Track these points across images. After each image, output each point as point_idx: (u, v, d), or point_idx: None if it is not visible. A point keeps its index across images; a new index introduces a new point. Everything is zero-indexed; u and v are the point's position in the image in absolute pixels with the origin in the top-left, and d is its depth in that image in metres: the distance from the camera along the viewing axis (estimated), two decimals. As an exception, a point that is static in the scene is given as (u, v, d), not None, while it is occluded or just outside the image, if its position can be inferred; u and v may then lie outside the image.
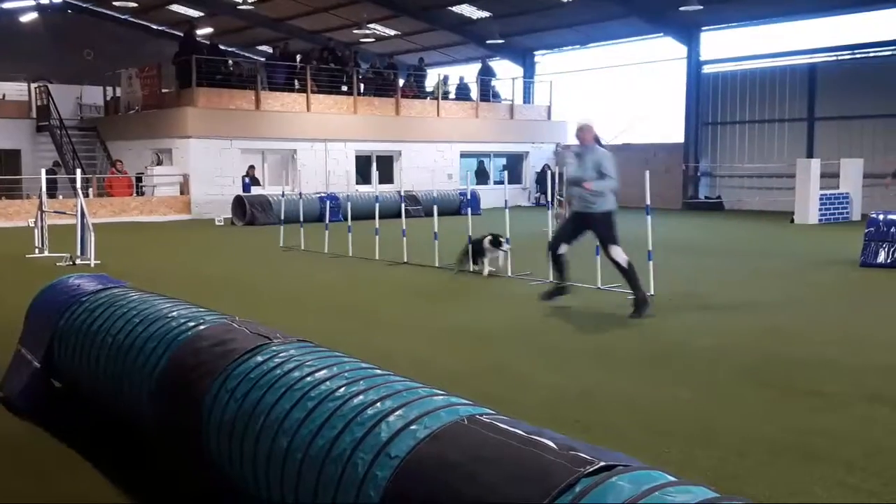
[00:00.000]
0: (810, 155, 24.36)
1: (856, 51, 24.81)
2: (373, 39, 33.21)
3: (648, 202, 9.88)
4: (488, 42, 31.18)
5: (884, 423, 5.10)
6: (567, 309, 9.11)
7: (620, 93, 30.24)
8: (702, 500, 1.93)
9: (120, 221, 22.03)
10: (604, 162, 8.88)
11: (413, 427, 2.59)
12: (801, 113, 25.96)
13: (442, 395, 2.91)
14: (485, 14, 29.25)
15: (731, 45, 27.58)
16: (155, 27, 34.44)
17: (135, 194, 24.40)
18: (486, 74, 31.22)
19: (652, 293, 9.62)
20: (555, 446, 2.23)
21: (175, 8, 31.60)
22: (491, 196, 26.56)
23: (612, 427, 4.98)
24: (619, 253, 8.81)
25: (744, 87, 27.19)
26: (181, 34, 28.04)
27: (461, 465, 2.30)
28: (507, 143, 30.66)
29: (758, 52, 26.91)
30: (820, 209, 21.58)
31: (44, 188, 14.98)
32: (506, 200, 12.30)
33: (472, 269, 11.74)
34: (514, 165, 30.87)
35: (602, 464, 2.10)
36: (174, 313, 4.36)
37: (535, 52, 33.22)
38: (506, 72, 32.90)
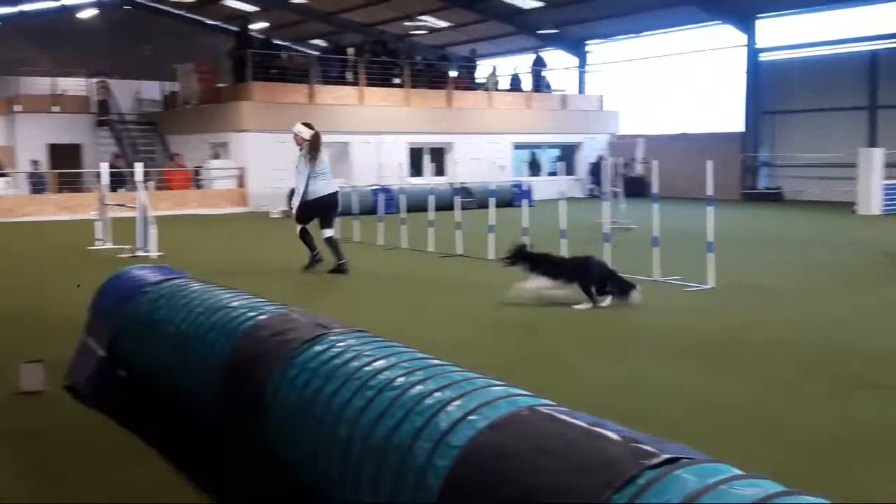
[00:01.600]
0: (872, 144, 23.72)
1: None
2: (425, 31, 33.26)
3: (711, 192, 9.68)
4: (540, 32, 30.99)
5: (953, 418, 4.97)
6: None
7: (676, 82, 29.82)
8: (770, 494, 1.90)
9: (179, 214, 22.42)
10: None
11: (472, 417, 2.59)
12: (862, 101, 25.29)
13: (500, 385, 2.91)
14: (537, 4, 29.06)
15: (789, 33, 26.98)
16: (210, 22, 34.95)
17: (193, 187, 24.83)
18: (538, 65, 31.04)
19: (713, 285, 9.50)
20: (618, 438, 2.22)
21: (230, 3, 32.03)
22: (544, 188, 26.42)
23: (669, 420, 4.92)
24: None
25: (803, 74, 26.56)
26: (236, 29, 28.42)
27: (522, 454, 2.29)
28: (560, 134, 30.46)
29: (816, 39, 26.28)
30: (884, 199, 21.02)
31: (107, 181, 15.32)
32: (561, 191, 12.18)
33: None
34: (567, 156, 30.68)
35: (666, 456, 2.08)
36: (234, 304, 4.43)
37: (588, 42, 32.92)
38: (558, 62, 32.68)
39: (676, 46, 29.80)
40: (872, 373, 5.97)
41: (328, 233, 11.31)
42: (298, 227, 11.48)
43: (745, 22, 27.25)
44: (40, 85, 29.14)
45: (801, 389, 5.61)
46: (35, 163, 25.87)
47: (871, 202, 20.88)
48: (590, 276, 8.40)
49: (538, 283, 8.49)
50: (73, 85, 29.75)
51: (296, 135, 11.54)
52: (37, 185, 24.73)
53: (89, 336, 5.65)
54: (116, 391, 5.27)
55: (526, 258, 8.62)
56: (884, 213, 20.71)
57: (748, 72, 27.66)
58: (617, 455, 2.12)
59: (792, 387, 5.68)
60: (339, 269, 11.05)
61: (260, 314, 4.18)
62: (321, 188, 11.27)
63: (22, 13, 31.30)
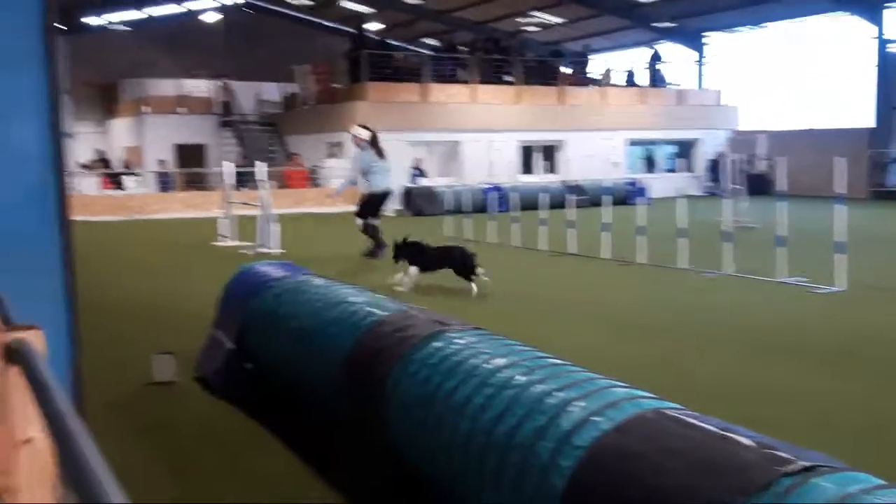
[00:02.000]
0: None
1: None
2: (537, 28, 33.08)
3: (842, 190, 9.24)
4: (656, 25, 30.34)
5: None
6: (743, 302, 8.76)
7: (799, 75, 28.65)
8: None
9: (297, 212, 23.06)
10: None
11: (596, 418, 2.57)
12: None
13: (623, 386, 2.87)
14: (654, -3, 28.49)
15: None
16: (327, 24, 35.76)
17: (310, 186, 25.48)
18: (654, 59, 30.41)
19: (842, 287, 9.09)
20: (750, 443, 2.16)
21: (346, 4, 32.68)
22: (660, 185, 25.89)
23: (793, 427, 4.74)
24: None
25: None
26: (352, 30, 28.98)
27: (648, 456, 2.26)
28: (677, 130, 29.74)
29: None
30: None
31: (231, 180, 15.91)
32: (679, 189, 11.90)
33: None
34: (684, 153, 29.95)
35: (804, 464, 2.01)
36: (355, 300, 4.53)
37: (706, 34, 32.01)
38: (675, 55, 31.92)
39: (800, 38, 28.63)
40: None
41: (376, 221, 12.47)
42: (361, 222, 12.44)
43: (872, 12, 25.90)
44: (166, 87, 30.50)
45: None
46: (162, 162, 27.10)
47: None
48: (454, 261, 9.46)
49: (413, 272, 9.50)
50: (198, 87, 30.98)
51: (354, 136, 12.71)
52: (164, 183, 25.90)
53: (218, 329, 5.88)
54: (243, 383, 5.47)
55: (402, 252, 9.64)
56: None
57: (878, 64, 26.30)
58: (750, 461, 2.07)
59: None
60: (373, 255, 12.18)
61: (380, 310, 4.26)
62: (386, 182, 12.56)
63: (149, 18, 32.81)
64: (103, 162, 26.66)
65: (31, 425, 1.81)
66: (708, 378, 5.88)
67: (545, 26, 33.08)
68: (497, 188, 20.56)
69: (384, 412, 3.62)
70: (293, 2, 32.21)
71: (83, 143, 31.91)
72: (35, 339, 1.83)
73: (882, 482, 1.99)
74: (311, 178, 25.80)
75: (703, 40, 32.18)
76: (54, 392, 1.50)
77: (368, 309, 4.31)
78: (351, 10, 32.91)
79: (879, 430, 4.72)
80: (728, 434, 2.25)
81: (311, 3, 32.19)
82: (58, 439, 1.32)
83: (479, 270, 9.35)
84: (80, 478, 1.13)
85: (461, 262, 9.40)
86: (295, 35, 34.68)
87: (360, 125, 12.97)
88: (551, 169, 27.29)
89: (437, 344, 3.63)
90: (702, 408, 2.80)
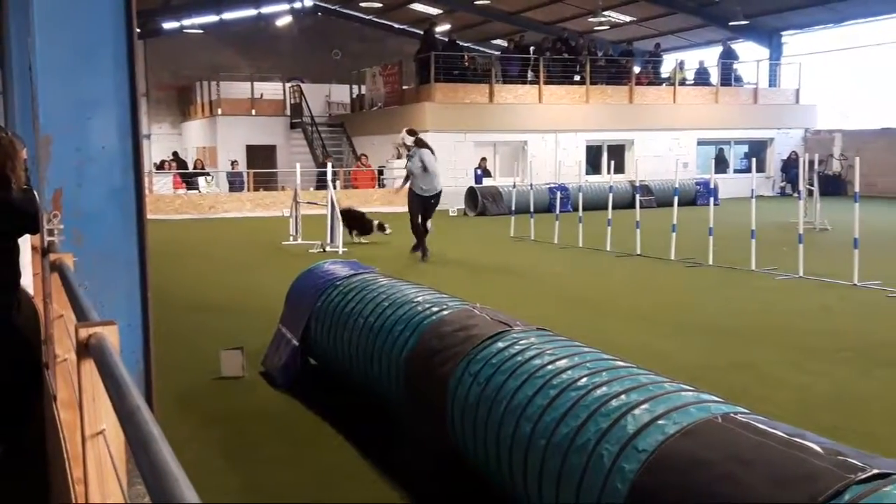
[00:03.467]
0: None
1: None
2: (608, 27, 32.72)
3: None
4: (731, 24, 29.72)
5: None
6: (819, 306, 8.53)
7: (879, 74, 27.74)
8: None
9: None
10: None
11: (661, 422, 2.53)
12: None
13: (690, 390, 2.82)
14: (727, -5, 27.92)
15: None
16: (397, 26, 35.99)
17: (377, 186, 25.68)
18: (727, 57, 29.80)
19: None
20: (820, 450, 2.10)
21: (416, 7, 32.85)
22: (731, 185, 25.34)
23: (872, 435, 4.60)
24: None
25: None
26: (421, 32, 29.10)
27: (716, 463, 2.21)
28: (750, 130, 29.07)
29: None
30: None
31: (298, 181, 16.15)
32: (752, 189, 11.60)
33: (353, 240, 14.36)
34: (757, 152, 29.26)
35: (875, 471, 1.95)
36: (419, 298, 4.55)
37: (783, 33, 31.22)
38: (750, 54, 31.21)
39: (881, 36, 27.71)
40: None
41: (429, 224, 12.69)
42: (430, 225, 12.78)
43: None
44: (239, 89, 31.10)
45: None
46: (233, 163, 27.65)
47: None
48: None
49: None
50: (269, 89, 31.50)
51: (402, 142, 13.15)
52: (234, 183, 26.40)
53: (284, 326, 5.98)
54: (308, 378, 5.55)
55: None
56: None
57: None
58: (820, 468, 2.01)
59: None
60: (417, 249, 12.60)
61: (443, 309, 4.27)
62: (436, 185, 12.55)
63: (222, 21, 33.48)
64: (177, 162, 27.29)
65: (103, 418, 1.86)
66: (786, 385, 5.73)
67: (616, 25, 32.69)
68: (563, 188, 20.42)
69: (447, 411, 3.63)
70: (364, 5, 32.51)
71: (159, 144, 32.79)
72: (109, 334, 1.88)
73: (960, 494, 1.91)
74: (378, 179, 26.01)
75: (781, 39, 31.41)
76: (127, 386, 1.54)
77: (432, 308, 4.33)
78: (421, 13, 33.07)
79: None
80: (797, 440, 2.19)
81: (381, 5, 32.43)
82: (129, 433, 1.36)
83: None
84: (151, 471, 1.16)
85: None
86: (365, 37, 35.02)
87: (407, 130, 13.38)
88: (619, 169, 26.95)
89: (500, 344, 3.62)
90: (781, 415, 2.73)
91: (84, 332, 1.87)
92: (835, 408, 5.14)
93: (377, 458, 4.32)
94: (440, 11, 32.71)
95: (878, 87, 27.90)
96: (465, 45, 32.49)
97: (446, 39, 28.44)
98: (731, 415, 2.48)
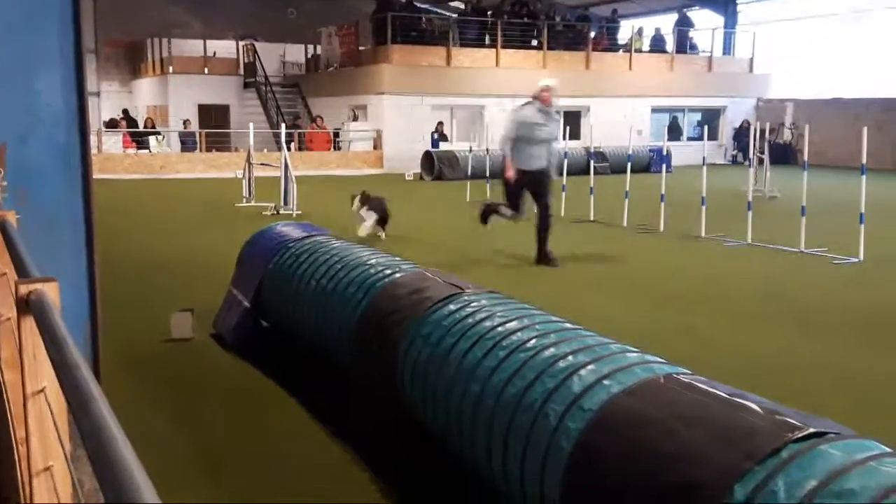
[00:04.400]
0: None
1: None
2: (566, -9, 32.63)
3: (864, 161, 9.14)
4: (687, -9, 29.84)
5: None
6: (764, 272, 8.70)
7: (833, 44, 28.11)
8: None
9: (319, 174, 23.07)
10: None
11: (606, 382, 2.57)
12: None
13: (635, 352, 2.87)
14: (684, -38, 28.00)
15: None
16: (353, -15, 35.43)
17: (333, 149, 25.45)
18: (682, 25, 29.93)
19: (863, 258, 9.02)
20: (759, 410, 2.15)
21: (372, -34, 32.38)
22: (684, 153, 25.59)
23: (812, 394, 4.73)
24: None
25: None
26: (378, -9, 28.72)
27: (658, 421, 2.26)
28: (703, 98, 29.33)
29: None
30: None
31: (252, 142, 15.91)
32: (704, 157, 11.74)
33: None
34: (710, 121, 29.55)
35: (811, 430, 2.00)
36: (372, 261, 4.54)
37: (738, 1, 31.44)
38: (705, 22, 31.38)
39: (835, 6, 28.04)
40: None
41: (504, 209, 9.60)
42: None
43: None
44: (192, 48, 30.45)
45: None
46: (185, 122, 27.14)
47: None
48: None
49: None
50: (222, 47, 30.88)
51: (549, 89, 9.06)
52: (186, 143, 25.95)
53: (236, 288, 5.93)
54: (259, 340, 5.52)
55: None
56: None
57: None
58: (759, 426, 2.06)
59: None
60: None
61: (396, 272, 4.27)
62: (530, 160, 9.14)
63: (176, -22, 32.70)
64: (127, 121, 26.70)
65: (44, 376, 1.83)
66: (730, 347, 5.86)
67: (573, -10, 32.62)
68: (520, 154, 20.38)
69: (398, 372, 3.65)
70: (319, -38, 31.94)
71: (109, 102, 32.00)
72: (50, 290, 1.84)
73: (889, 450, 1.98)
74: (334, 141, 25.77)
75: (737, 7, 31.60)
76: (66, 343, 1.51)
77: (384, 271, 4.32)
78: (377, -28, 32.58)
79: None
80: (737, 399, 2.24)
81: (337, -37, 31.90)
82: (69, 393, 1.34)
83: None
84: (89, 430, 1.14)
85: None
86: (322, -4, 34.42)
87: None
88: (575, 135, 27.04)
89: (451, 306, 3.63)
90: (724, 376, 2.79)
91: (24, 289, 1.84)
92: (777, 370, 5.27)
93: (328, 420, 4.33)
94: (398, -29, 32.24)
95: (831, 57, 28.29)
96: (423, 6, 32.07)
97: (404, 0, 28.09)
98: (674, 375, 2.52)
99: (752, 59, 30.24)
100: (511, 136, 8.86)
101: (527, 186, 8.99)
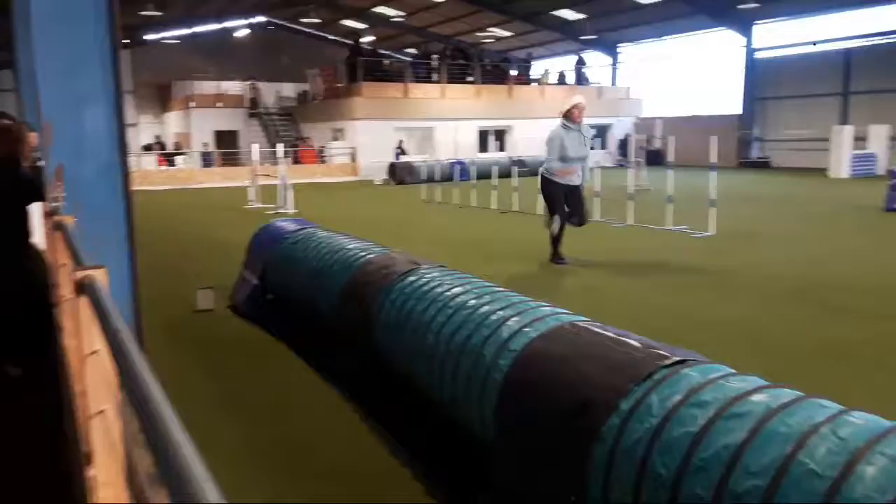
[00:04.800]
0: (843, 122, 22.37)
1: (886, 36, 22.44)
2: (492, 40, 32.53)
3: (714, 160, 9.32)
4: (582, 38, 29.97)
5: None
6: (642, 245, 8.83)
7: (688, 75, 28.56)
8: (755, 387, 1.85)
9: (308, 182, 22.76)
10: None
11: (527, 329, 2.58)
12: (837, 89, 23.80)
13: (548, 306, 2.88)
14: (581, 16, 28.05)
15: (780, 35, 25.44)
16: (331, 37, 34.86)
17: (319, 162, 25.11)
18: (579, 64, 30.12)
19: (713, 232, 9.22)
20: (639, 345, 2.18)
21: (346, 22, 31.88)
22: (582, 159, 25.77)
23: (678, 334, 4.82)
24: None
25: (790, 68, 25.08)
26: (350, 42, 28.32)
27: (564, 357, 2.28)
28: (596, 118, 29.48)
29: (801, 40, 24.73)
30: (851, 166, 19.92)
31: (256, 158, 15.61)
32: (597, 161, 11.83)
33: None
34: (601, 135, 29.83)
35: (677, 358, 2.04)
36: (351, 246, 4.50)
37: (620, 45, 31.70)
38: (595, 61, 31.61)
39: (690, 48, 28.47)
40: (846, 300, 5.72)
41: (555, 224, 7.75)
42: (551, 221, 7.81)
43: (744, 27, 25.82)
44: (208, 87, 29.72)
45: (787, 312, 5.42)
46: (205, 144, 26.51)
47: (841, 168, 19.91)
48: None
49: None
50: (232, 87, 30.26)
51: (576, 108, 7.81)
52: (206, 160, 25.38)
53: (246, 269, 5.83)
54: (265, 310, 5.45)
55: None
56: (850, 177, 19.65)
57: (746, 66, 26.31)
58: (639, 357, 2.09)
59: (779, 310, 5.49)
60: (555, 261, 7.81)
61: (369, 254, 4.23)
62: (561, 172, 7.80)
63: (194, 34, 31.84)
64: (159, 145, 25.99)
65: (96, 342, 1.78)
66: (616, 300, 5.94)
67: (498, 38, 32.56)
68: (460, 162, 20.40)
69: (372, 330, 3.63)
70: (305, 21, 31.35)
71: (145, 131, 31.13)
72: (99, 276, 1.79)
73: (733, 371, 2.02)
74: (319, 157, 25.44)
75: (618, 49, 31.87)
76: (112, 316, 1.47)
77: (360, 253, 4.28)
78: (350, 27, 32.13)
79: (754, 338, 4.81)
80: (623, 338, 2.27)
81: (319, 21, 31.34)
82: (115, 353, 1.30)
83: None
84: (128, 380, 1.11)
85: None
86: (307, 46, 33.81)
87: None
88: (502, 148, 27.10)
89: (411, 278, 3.62)
90: (613, 321, 2.82)
91: (79, 275, 1.78)
92: (654, 316, 5.36)
93: (319, 367, 4.30)
94: (365, 26, 31.87)
95: (686, 85, 28.76)
96: (385, 52, 31.79)
97: (370, 48, 27.72)
98: (576, 322, 2.55)
99: (629, 88, 30.57)
100: (555, 157, 7.51)
101: (566, 201, 7.53)
